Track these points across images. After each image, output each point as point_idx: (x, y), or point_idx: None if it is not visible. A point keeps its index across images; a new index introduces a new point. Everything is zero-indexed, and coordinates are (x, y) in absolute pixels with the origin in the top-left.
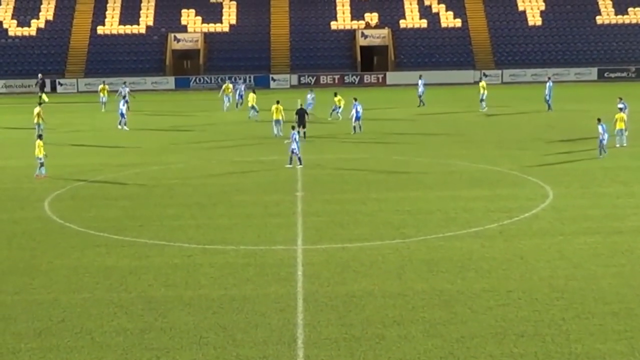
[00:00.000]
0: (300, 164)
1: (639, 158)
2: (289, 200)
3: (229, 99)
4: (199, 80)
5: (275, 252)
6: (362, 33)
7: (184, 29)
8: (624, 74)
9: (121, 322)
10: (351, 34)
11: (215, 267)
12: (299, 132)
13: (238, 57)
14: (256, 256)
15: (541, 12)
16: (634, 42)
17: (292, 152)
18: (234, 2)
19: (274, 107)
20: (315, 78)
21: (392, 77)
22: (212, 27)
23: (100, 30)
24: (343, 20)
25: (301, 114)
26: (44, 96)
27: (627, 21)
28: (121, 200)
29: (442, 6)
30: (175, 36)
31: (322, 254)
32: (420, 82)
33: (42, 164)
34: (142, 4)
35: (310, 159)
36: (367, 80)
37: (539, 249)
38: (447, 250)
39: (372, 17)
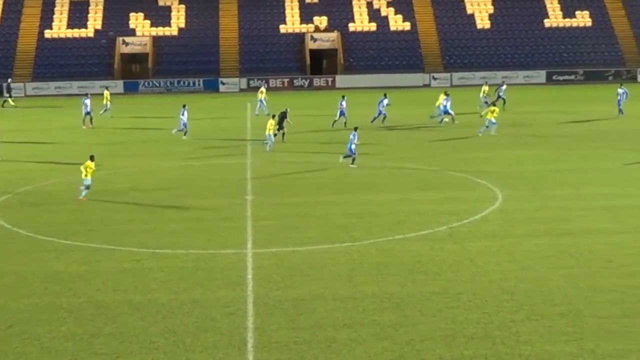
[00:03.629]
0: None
1: (588, 160)
2: (239, 204)
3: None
4: (148, 84)
5: (225, 256)
6: (312, 36)
7: (132, 33)
8: (572, 77)
9: (70, 327)
10: (300, 37)
11: (165, 272)
12: (276, 134)
13: (187, 61)
14: (206, 260)
15: (490, 15)
16: (582, 45)
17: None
18: (183, 6)
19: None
20: (264, 82)
21: (341, 80)
22: (160, 31)
23: (48, 34)
24: (292, 23)
25: (281, 117)
26: (10, 100)
27: (574, 24)
28: (70, 204)
29: (391, 10)
30: (123, 40)
31: (272, 258)
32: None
33: None
34: (90, 8)
35: (260, 162)
36: (316, 83)
37: (488, 251)
38: (397, 253)
39: (322, 21)
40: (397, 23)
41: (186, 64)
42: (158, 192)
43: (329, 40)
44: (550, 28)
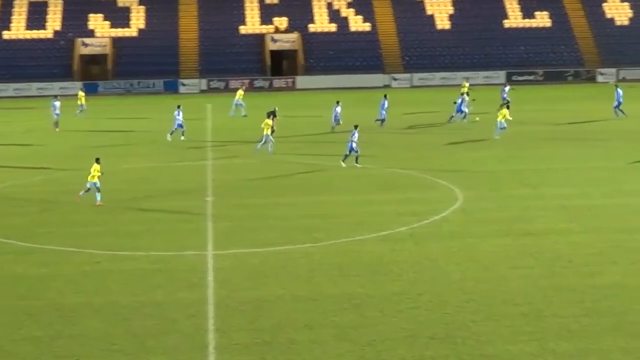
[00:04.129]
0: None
1: (548, 160)
2: (199, 206)
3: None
4: (108, 85)
5: (185, 258)
6: (272, 37)
7: (91, 34)
8: (532, 77)
9: (31, 330)
10: (260, 38)
11: (125, 274)
12: (273, 131)
13: (147, 62)
14: (166, 262)
15: (450, 15)
16: (541, 46)
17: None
18: (142, 7)
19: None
20: (225, 83)
21: (302, 81)
22: (120, 32)
23: (6, 35)
24: (252, 24)
25: (270, 117)
26: None
27: (534, 25)
28: (29, 206)
29: (352, 10)
30: (83, 41)
31: (233, 259)
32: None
33: None
34: (48, 9)
35: (221, 164)
36: (277, 84)
37: (449, 251)
38: (357, 254)
39: (282, 22)
40: (357, 24)
41: (146, 65)
42: (118, 194)
43: (289, 41)
44: (510, 29)
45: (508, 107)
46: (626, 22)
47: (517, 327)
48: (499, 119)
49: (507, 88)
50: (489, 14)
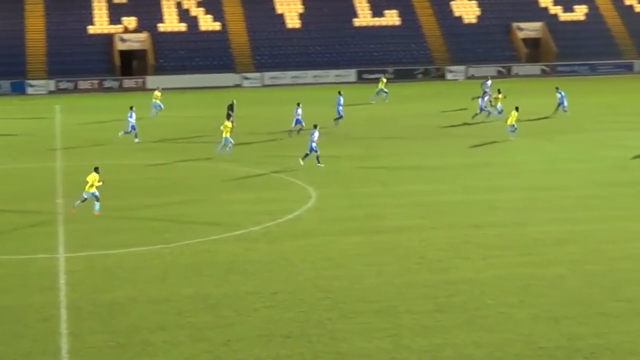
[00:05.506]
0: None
1: (399, 158)
2: (49, 208)
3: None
4: None
5: (36, 261)
6: (121, 37)
7: None
8: (382, 75)
9: None
10: (109, 38)
11: None
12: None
13: None
14: (17, 265)
15: (300, 14)
16: (392, 44)
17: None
18: None
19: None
20: (74, 83)
21: (152, 81)
22: None
23: None
24: (100, 24)
25: (228, 110)
26: None
27: (383, 23)
28: None
29: (201, 10)
30: None
31: (85, 262)
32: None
33: None
34: None
35: (73, 166)
36: (126, 85)
37: (303, 250)
38: (211, 254)
39: (130, 22)
40: (207, 23)
41: None
42: None
43: (138, 41)
44: (360, 27)
45: (517, 109)
46: (474, 20)
47: (372, 324)
48: (509, 122)
49: (489, 82)
50: (339, 12)
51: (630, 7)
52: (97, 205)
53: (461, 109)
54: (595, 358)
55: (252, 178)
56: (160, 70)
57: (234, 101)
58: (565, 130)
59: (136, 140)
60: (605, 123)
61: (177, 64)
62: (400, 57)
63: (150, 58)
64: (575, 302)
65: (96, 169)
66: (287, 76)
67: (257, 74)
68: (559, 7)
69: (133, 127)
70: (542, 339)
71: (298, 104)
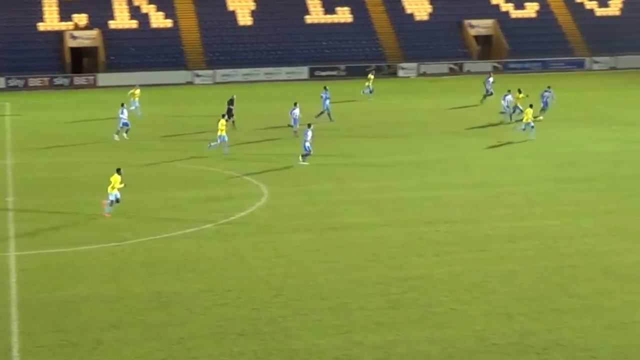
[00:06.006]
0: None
1: (351, 155)
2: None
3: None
4: None
5: None
6: (71, 34)
7: None
8: (335, 73)
9: None
10: (60, 35)
11: None
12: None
13: None
14: None
15: (252, 11)
16: (344, 41)
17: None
18: None
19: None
20: (24, 81)
21: (103, 78)
22: None
23: None
24: (51, 21)
25: (229, 105)
26: None
27: (335, 20)
28: None
29: (152, 7)
30: None
31: (37, 260)
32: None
33: None
34: None
35: (21, 164)
36: (77, 82)
37: (255, 247)
38: (163, 252)
39: (81, 18)
40: (158, 20)
41: None
42: None
43: (89, 38)
44: (312, 24)
45: (531, 106)
46: (426, 18)
47: (324, 321)
48: (524, 120)
49: (491, 79)
50: (291, 9)
51: (581, 4)
52: (110, 207)
53: (412, 105)
54: (547, 354)
55: (204, 176)
56: (111, 67)
57: (234, 96)
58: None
59: (126, 137)
60: (555, 120)
61: (129, 61)
62: (352, 54)
63: (101, 55)
64: (528, 298)
65: (118, 170)
66: (239, 73)
67: (209, 71)
68: (510, 4)
69: (125, 124)
70: (495, 335)
71: (295, 104)
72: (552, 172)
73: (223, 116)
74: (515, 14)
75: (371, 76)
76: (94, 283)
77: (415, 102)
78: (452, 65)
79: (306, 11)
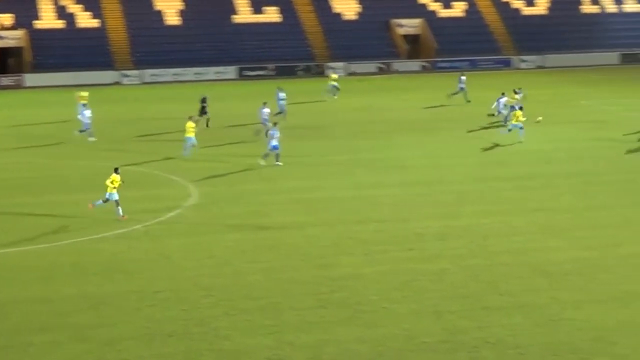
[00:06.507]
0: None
1: (285, 154)
2: None
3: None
4: None
5: None
6: None
7: None
8: (263, 72)
9: None
10: None
11: None
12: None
13: None
14: None
15: (180, 11)
16: (272, 41)
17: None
18: None
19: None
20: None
21: (30, 79)
22: None
23: None
24: None
25: (203, 103)
26: None
27: (263, 20)
28: None
29: (79, 7)
30: None
31: None
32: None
33: None
34: None
35: None
36: (3, 83)
37: (185, 248)
38: (93, 253)
39: (6, 18)
40: (85, 20)
41: None
42: None
43: (14, 38)
44: (240, 24)
45: (521, 109)
46: (354, 17)
47: (255, 321)
48: (513, 122)
49: (463, 77)
50: (219, 9)
51: (508, 3)
52: (119, 210)
53: (342, 104)
54: (477, 352)
55: (133, 176)
56: (37, 67)
57: (207, 95)
58: (446, 127)
59: (90, 139)
60: (484, 118)
61: (55, 62)
62: (280, 54)
63: (27, 55)
64: (458, 297)
65: (116, 170)
66: (168, 73)
67: (137, 72)
68: (438, 3)
69: (87, 126)
70: (425, 334)
71: (264, 103)
72: (483, 170)
73: (190, 118)
74: (443, 13)
75: (334, 75)
76: (23, 285)
77: (345, 101)
78: (380, 65)
79: (234, 11)
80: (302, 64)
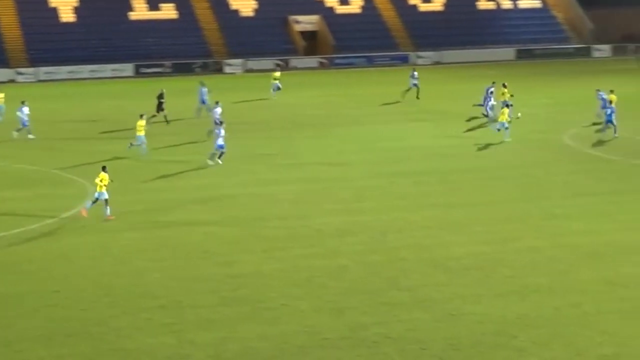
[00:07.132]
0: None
1: (180, 153)
2: None
3: None
4: None
5: None
6: None
7: None
8: (161, 69)
9: None
10: None
11: None
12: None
13: None
14: None
15: (74, 8)
16: (169, 38)
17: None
18: None
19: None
20: None
21: None
22: None
23: None
24: None
25: (159, 99)
26: None
27: (159, 17)
28: None
29: None
30: None
31: None
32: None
33: None
34: None
35: None
36: None
37: (83, 247)
38: None
39: None
40: None
41: None
42: None
43: None
44: (136, 21)
45: (508, 106)
46: (251, 14)
47: (156, 320)
48: (500, 119)
49: (415, 73)
50: (115, 6)
51: (404, 0)
52: (108, 209)
53: (241, 101)
54: (378, 347)
55: (28, 175)
56: None
57: (164, 90)
58: (344, 122)
59: (30, 136)
60: (382, 115)
61: None
62: (177, 51)
63: None
64: (358, 293)
65: (104, 168)
66: (63, 71)
67: (32, 69)
68: (334, 0)
69: (25, 124)
70: (326, 330)
71: (217, 102)
72: (381, 167)
73: (141, 116)
74: (340, 9)
75: (277, 73)
76: None
77: (241, 98)
78: (278, 61)
79: (130, 8)
80: (199, 61)
